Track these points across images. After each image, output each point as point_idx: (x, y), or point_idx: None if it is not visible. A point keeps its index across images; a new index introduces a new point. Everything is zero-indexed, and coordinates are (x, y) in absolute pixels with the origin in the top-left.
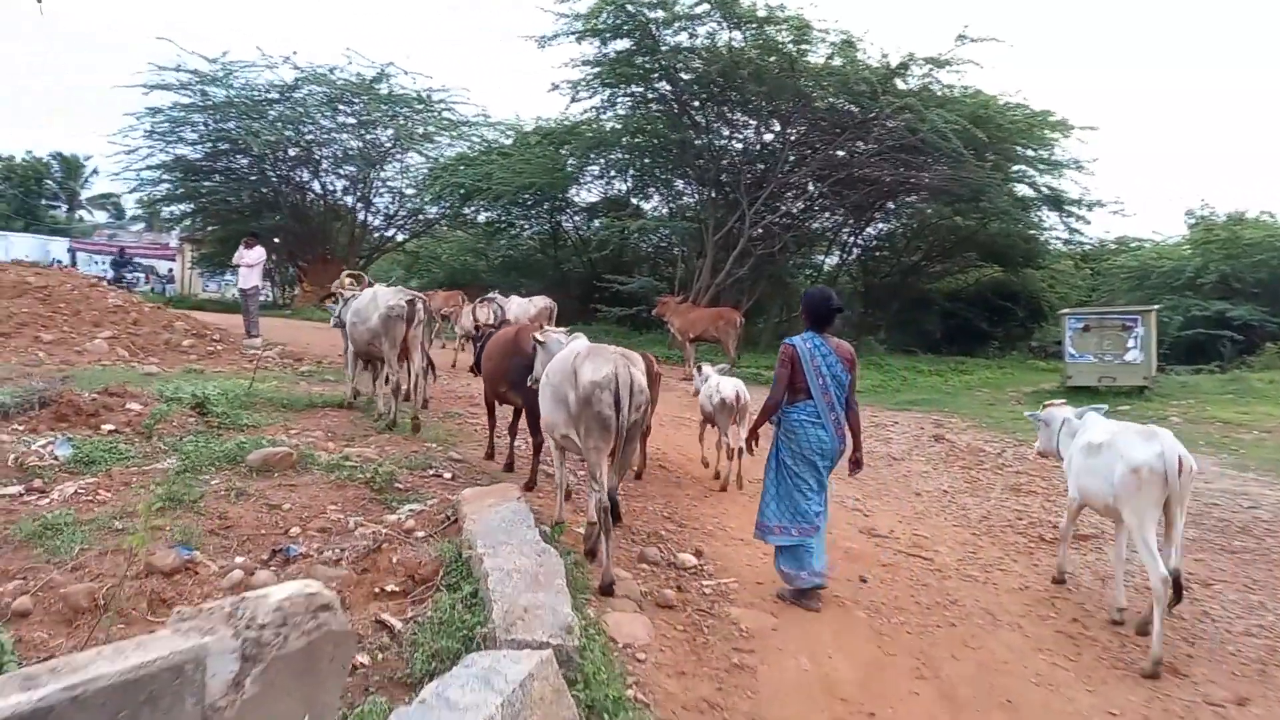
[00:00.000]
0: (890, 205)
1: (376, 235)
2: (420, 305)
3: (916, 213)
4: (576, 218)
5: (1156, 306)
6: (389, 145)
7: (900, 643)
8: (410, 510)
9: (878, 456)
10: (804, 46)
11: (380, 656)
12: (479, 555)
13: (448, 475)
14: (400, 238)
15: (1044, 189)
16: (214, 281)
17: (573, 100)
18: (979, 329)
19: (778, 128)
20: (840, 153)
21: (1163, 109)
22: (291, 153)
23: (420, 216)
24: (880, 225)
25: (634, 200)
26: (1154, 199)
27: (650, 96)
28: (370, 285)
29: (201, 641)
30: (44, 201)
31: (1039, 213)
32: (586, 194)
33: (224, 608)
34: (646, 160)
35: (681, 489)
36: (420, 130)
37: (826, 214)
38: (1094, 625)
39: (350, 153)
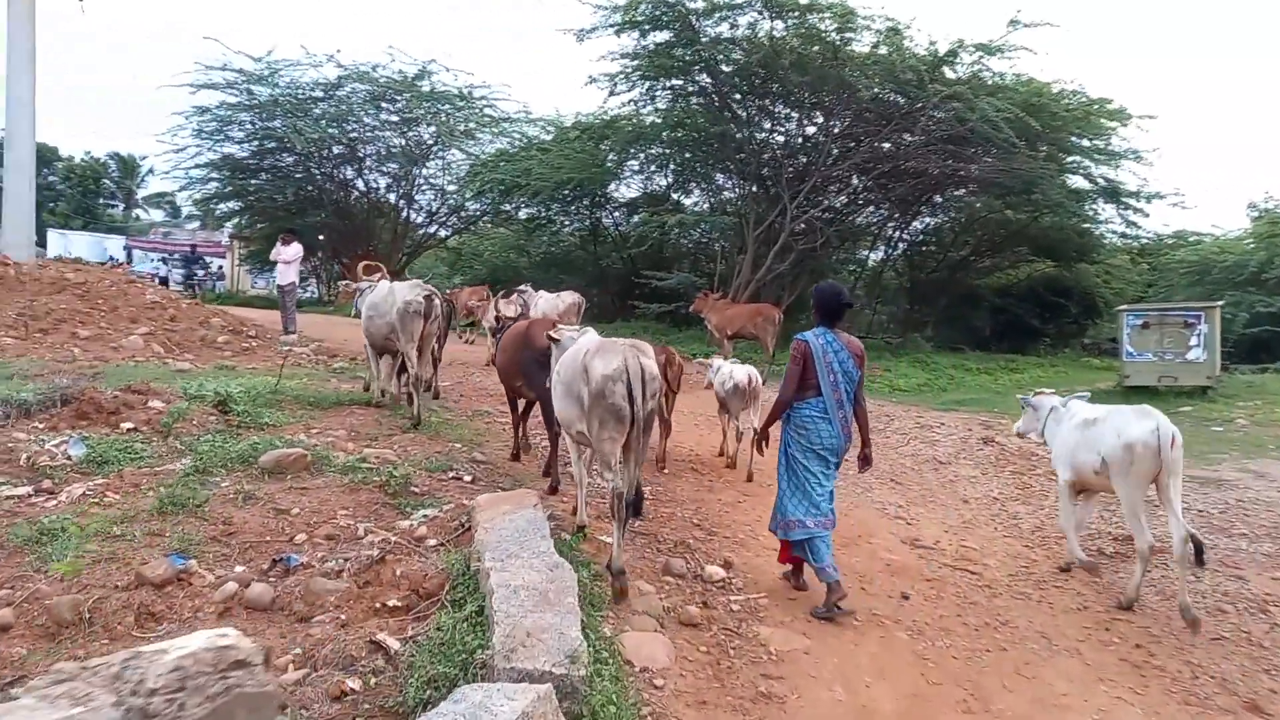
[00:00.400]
0: (938, 199)
1: (420, 232)
2: (438, 301)
3: (965, 206)
4: (616, 214)
5: (1220, 303)
6: (431, 142)
7: (946, 669)
8: (424, 516)
9: (922, 460)
10: (848, 35)
11: (373, 681)
12: (486, 569)
13: (468, 478)
14: (443, 234)
15: (1100, 180)
16: (262, 278)
17: (611, 94)
18: (1030, 326)
19: (821, 120)
20: (886, 145)
21: (1224, 99)
22: (336, 150)
23: (462, 213)
24: (927, 219)
25: (674, 195)
26: (1213, 191)
27: (690, 89)
28: (385, 277)
29: (68, 715)
30: (102, 201)
31: (1094, 205)
32: (626, 189)
33: (112, 666)
34: (687, 155)
35: (714, 493)
36: (461, 127)
37: (871, 208)
38: (1162, 653)
39: (393, 150)
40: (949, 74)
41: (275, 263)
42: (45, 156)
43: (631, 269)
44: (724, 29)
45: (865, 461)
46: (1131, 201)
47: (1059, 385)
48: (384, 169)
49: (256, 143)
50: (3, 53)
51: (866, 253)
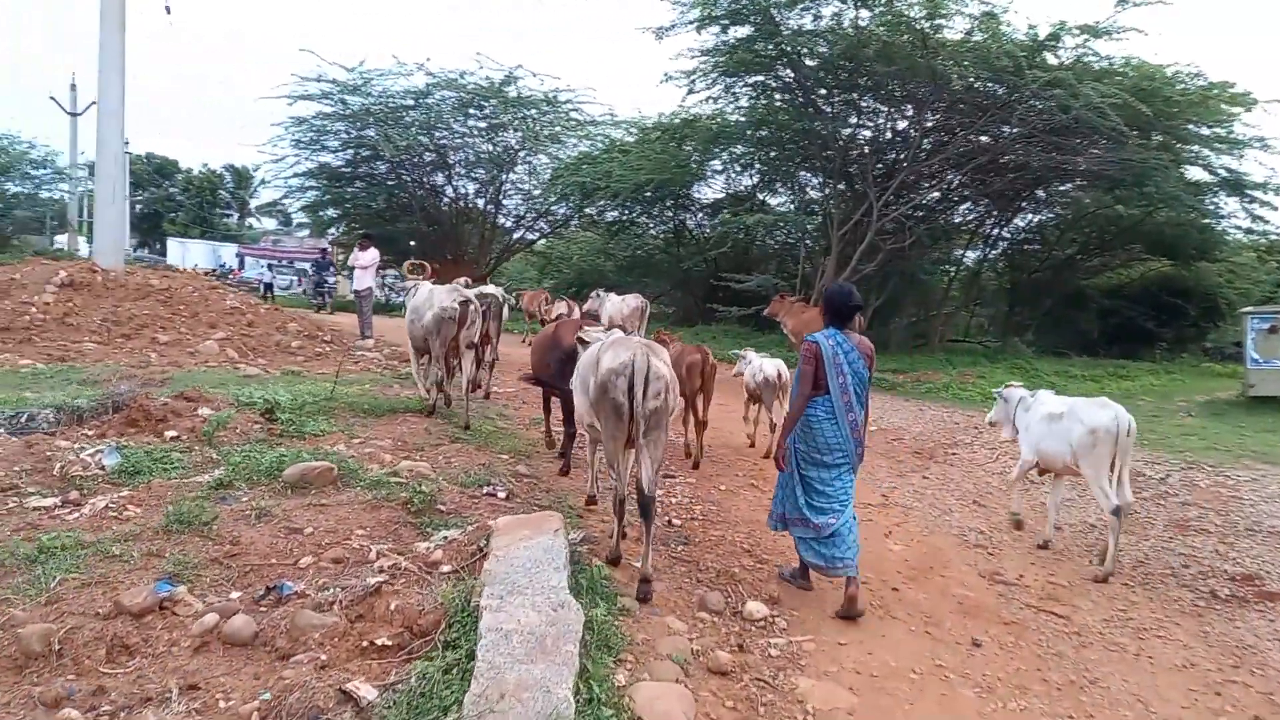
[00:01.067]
0: (1040, 194)
1: (508, 237)
2: (474, 307)
3: (1071, 201)
4: (700, 215)
5: None
6: (517, 147)
7: None
8: (444, 538)
9: (1012, 480)
10: (938, 22)
11: None
12: (483, 606)
13: (503, 495)
14: (530, 238)
15: (1221, 171)
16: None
17: (690, 91)
18: (1143, 329)
19: (911, 113)
20: (982, 138)
21: None
22: (427, 158)
23: (549, 217)
24: (1029, 216)
25: (759, 196)
26: None
27: (773, 85)
28: (431, 275)
29: None
30: (218, 210)
31: (1215, 198)
32: (709, 190)
33: None
34: (771, 153)
35: None
36: (547, 131)
37: (966, 205)
38: None
39: (481, 156)
40: (1050, 60)
41: (353, 268)
42: (166, 169)
43: (714, 272)
44: (806, 20)
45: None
46: (1257, 194)
47: (1175, 394)
48: (472, 175)
49: (351, 151)
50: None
51: (962, 252)
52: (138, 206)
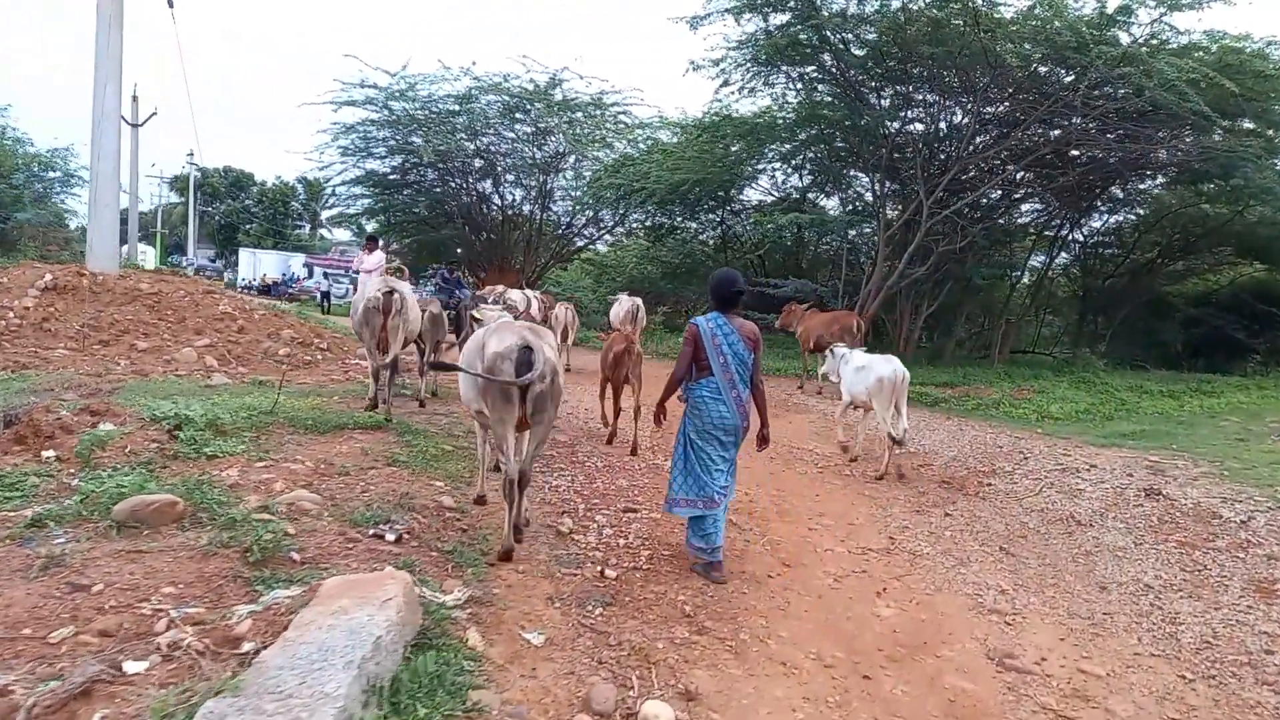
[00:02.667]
0: (1116, 191)
1: (558, 244)
2: (398, 297)
3: (1151, 199)
4: (748, 219)
5: None
6: (565, 151)
7: None
8: (274, 599)
9: (1053, 518)
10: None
11: None
12: None
13: (392, 538)
14: (578, 244)
15: None
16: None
17: (723, 83)
18: (1233, 340)
19: (966, 103)
20: (1046, 129)
21: None
22: (477, 164)
23: (599, 224)
24: (1104, 216)
25: (809, 197)
26: None
27: (816, 76)
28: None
29: None
30: (290, 221)
31: None
32: (755, 193)
33: None
34: (820, 152)
35: (744, 561)
36: (595, 135)
37: (1030, 203)
38: None
39: (528, 161)
40: (1123, 37)
41: (358, 273)
42: (241, 182)
43: (764, 277)
44: (850, 4)
45: (763, 441)
46: None
47: (1267, 414)
48: (520, 181)
49: (399, 158)
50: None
51: (1028, 255)
52: (216, 218)
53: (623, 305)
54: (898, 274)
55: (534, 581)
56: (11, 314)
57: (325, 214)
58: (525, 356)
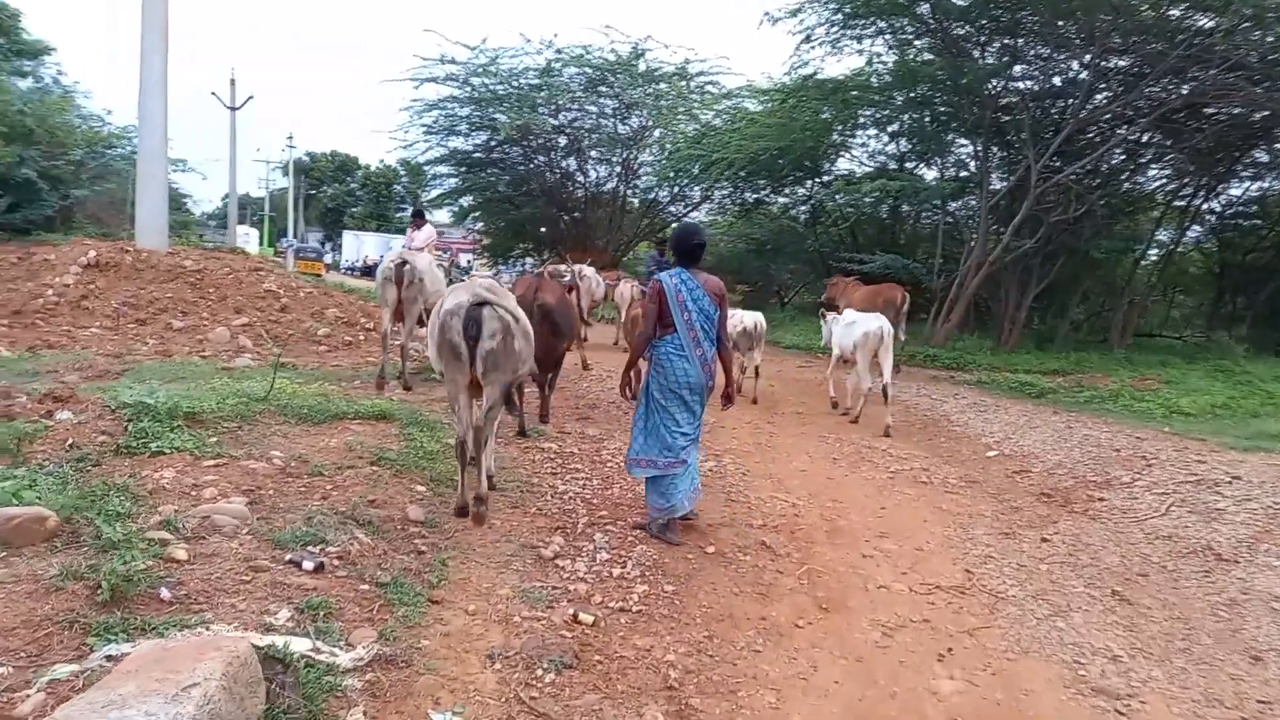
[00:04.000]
0: (1260, 154)
1: (645, 221)
2: (410, 268)
3: None
4: (836, 190)
5: None
6: (649, 125)
7: None
8: (104, 658)
9: (1184, 549)
10: None
11: None
12: None
13: (310, 566)
14: (664, 221)
15: None
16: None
17: (805, 39)
18: None
19: (1084, 55)
20: (1184, 86)
21: None
22: (561, 142)
23: (686, 200)
24: (1245, 183)
25: (905, 165)
26: None
27: (911, 31)
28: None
29: None
30: (393, 204)
31: None
32: (846, 162)
33: None
34: (913, 115)
35: (768, 601)
36: (681, 107)
37: (1158, 169)
38: None
39: (611, 136)
40: None
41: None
42: (347, 165)
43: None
44: None
45: (727, 400)
46: None
47: None
48: (603, 155)
49: (482, 135)
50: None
51: (1154, 228)
52: (323, 201)
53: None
54: (1001, 247)
55: (483, 627)
56: (50, 291)
57: (426, 196)
58: (475, 314)
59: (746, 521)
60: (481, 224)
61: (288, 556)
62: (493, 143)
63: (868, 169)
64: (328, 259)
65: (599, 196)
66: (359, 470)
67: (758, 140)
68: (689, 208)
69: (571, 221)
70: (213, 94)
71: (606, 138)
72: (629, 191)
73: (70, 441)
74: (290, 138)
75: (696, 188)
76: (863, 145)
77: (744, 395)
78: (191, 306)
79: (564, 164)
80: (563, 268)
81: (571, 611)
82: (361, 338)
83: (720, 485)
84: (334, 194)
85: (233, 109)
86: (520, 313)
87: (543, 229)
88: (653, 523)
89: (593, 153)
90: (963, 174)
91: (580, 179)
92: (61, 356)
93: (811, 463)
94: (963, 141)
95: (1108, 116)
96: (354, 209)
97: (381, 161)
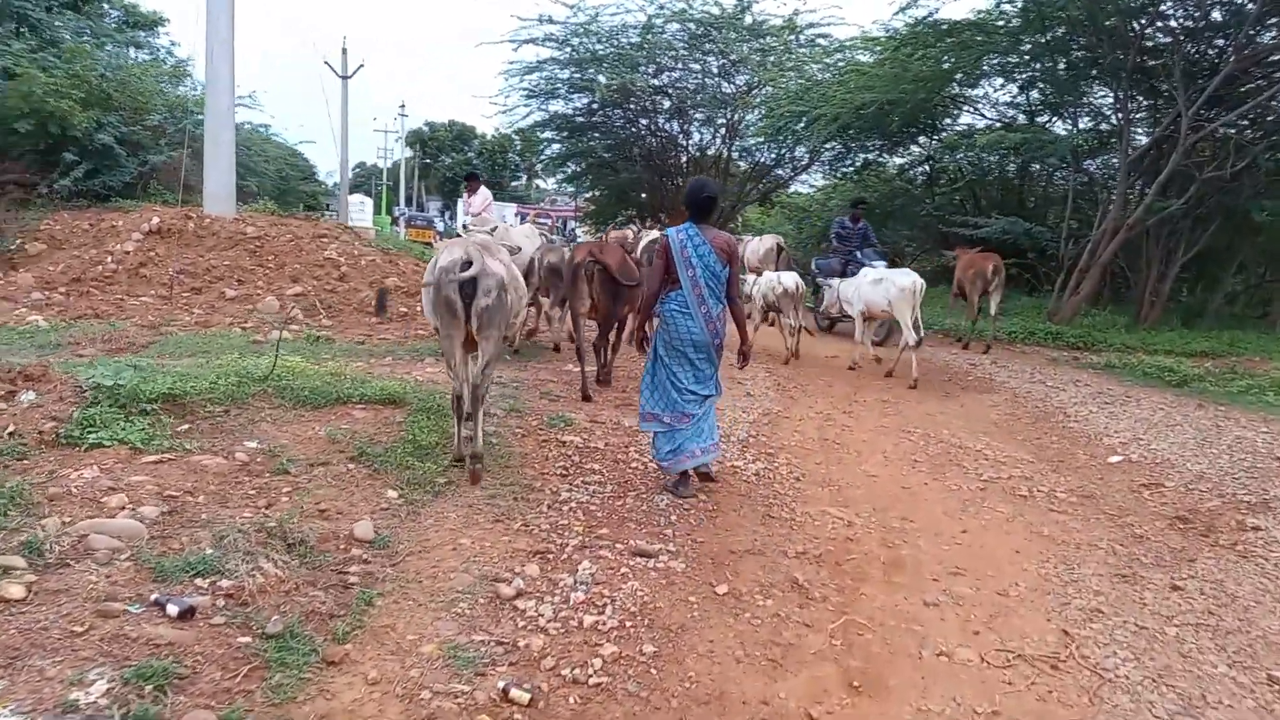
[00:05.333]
0: None
1: (750, 186)
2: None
3: None
4: (955, 148)
5: None
6: (756, 83)
7: None
8: None
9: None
10: None
11: None
12: None
13: (175, 611)
14: (770, 185)
15: None
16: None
17: None
18: None
19: None
20: None
21: None
22: (665, 104)
23: (793, 162)
24: None
25: (1036, 120)
26: None
27: None
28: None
29: None
30: (508, 173)
31: None
32: (968, 117)
33: None
34: (1047, 62)
35: (780, 672)
36: (790, 62)
37: None
38: None
39: (715, 96)
40: None
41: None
42: (464, 135)
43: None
44: None
45: (743, 357)
46: None
47: None
48: (707, 116)
49: (581, 97)
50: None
51: None
52: (441, 170)
53: (764, 243)
54: (1144, 208)
55: (376, 707)
56: (110, 259)
57: (539, 164)
58: (467, 270)
59: (781, 548)
60: (586, 191)
61: (153, 596)
62: (594, 105)
63: (995, 125)
64: (440, 226)
65: (701, 160)
66: (331, 468)
67: (864, 92)
68: (796, 171)
69: (674, 187)
70: (325, 63)
71: (710, 98)
72: (734, 155)
73: (10, 429)
74: (402, 106)
75: (802, 148)
76: (985, 98)
77: (795, 357)
78: (248, 275)
79: (666, 127)
80: (629, 232)
81: (502, 685)
82: (418, 308)
83: (762, 495)
84: (452, 163)
85: (344, 77)
86: (514, 269)
87: (643, 194)
88: (665, 478)
89: (696, 115)
90: (1102, 127)
91: (682, 142)
92: (96, 327)
93: (885, 466)
94: (1101, 90)
95: (1277, 57)
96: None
97: (497, 130)
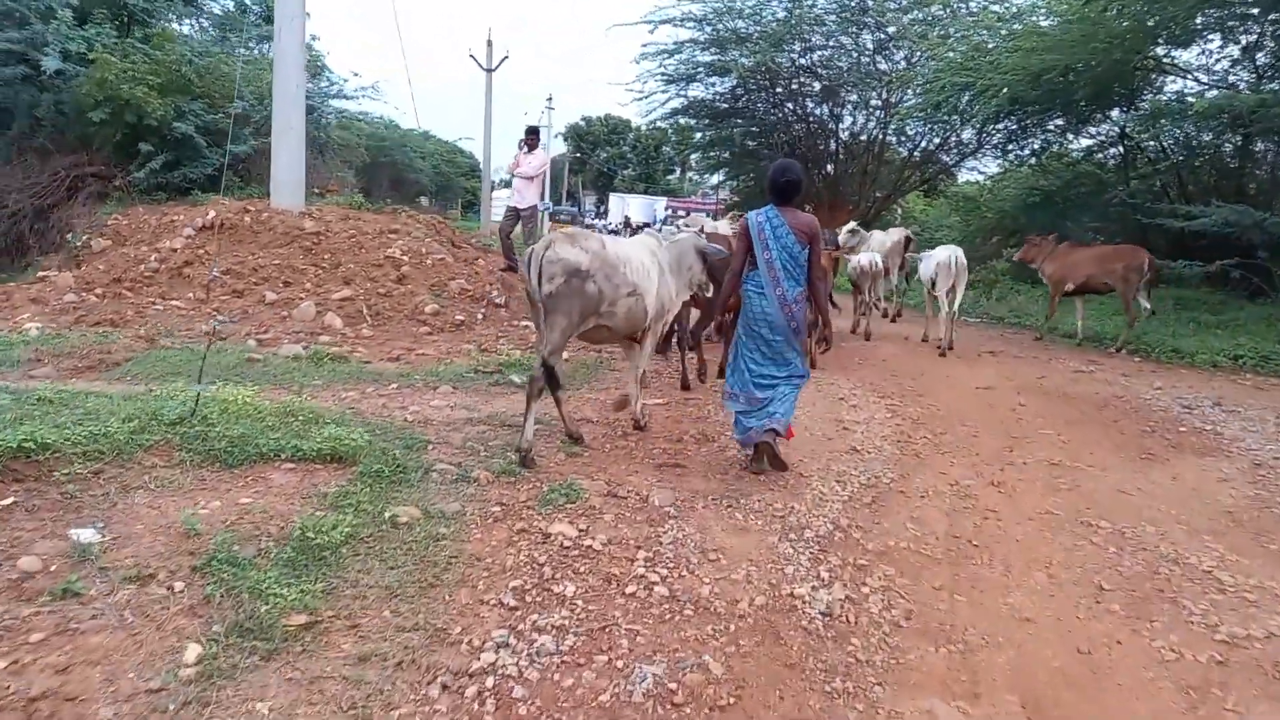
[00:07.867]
0: None
1: (910, 174)
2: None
3: None
4: (1155, 115)
5: None
6: (915, 59)
7: None
8: None
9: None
10: None
11: None
12: None
13: None
14: (930, 172)
15: None
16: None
17: None
18: None
19: None
20: None
21: None
22: (816, 87)
23: (959, 147)
24: None
25: (1262, 87)
26: None
27: None
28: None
29: None
30: (662, 165)
31: None
32: (1175, 85)
33: None
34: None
35: None
36: (956, 31)
37: None
38: None
39: (869, 75)
40: None
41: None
42: (619, 129)
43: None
44: None
45: (824, 341)
46: None
47: None
48: (860, 99)
49: (722, 81)
50: None
51: None
52: (596, 165)
53: (891, 236)
54: None
55: None
56: (155, 257)
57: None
58: (538, 255)
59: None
60: (729, 183)
61: None
62: (738, 90)
63: (1204, 91)
64: (590, 220)
65: (852, 147)
66: (146, 589)
67: (1043, 55)
68: (962, 156)
69: (822, 178)
70: (470, 55)
71: (863, 77)
72: (890, 139)
73: None
74: (549, 99)
75: (969, 130)
76: (1196, 62)
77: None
78: (297, 275)
79: (815, 111)
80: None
81: None
82: (479, 316)
83: (821, 670)
84: (606, 157)
85: (489, 70)
86: (609, 258)
87: None
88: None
89: (848, 97)
90: None
91: (832, 126)
92: (87, 338)
93: (1049, 599)
94: None
95: None
96: (625, 171)
97: (653, 123)
